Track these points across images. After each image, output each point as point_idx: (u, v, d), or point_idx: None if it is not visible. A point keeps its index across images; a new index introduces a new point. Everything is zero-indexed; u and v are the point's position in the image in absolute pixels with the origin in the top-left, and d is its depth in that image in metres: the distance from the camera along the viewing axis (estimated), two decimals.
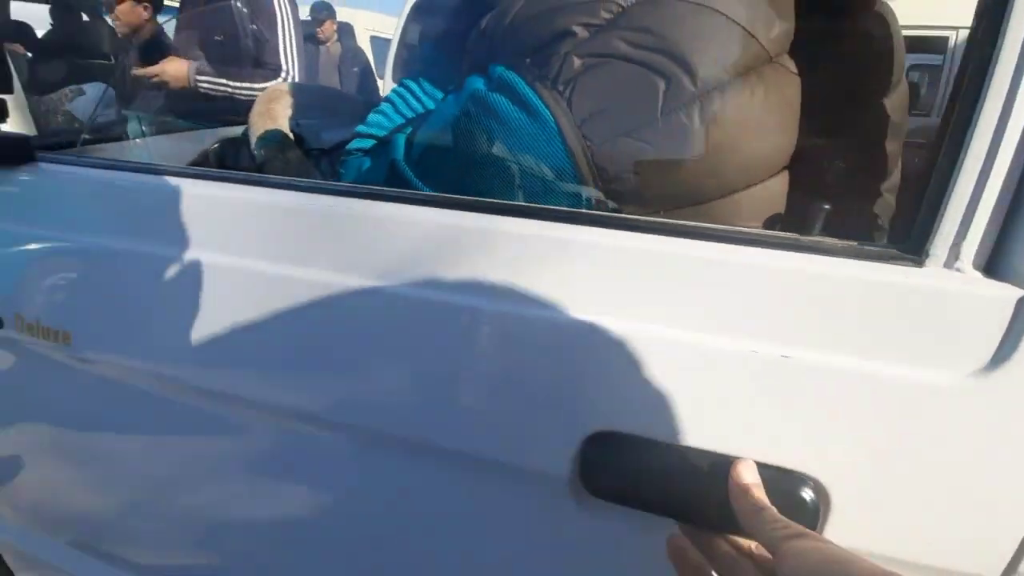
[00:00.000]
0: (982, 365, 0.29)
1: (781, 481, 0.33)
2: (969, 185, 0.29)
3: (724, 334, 0.33)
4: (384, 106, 0.60)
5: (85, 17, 3.63)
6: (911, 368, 0.30)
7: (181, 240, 0.48)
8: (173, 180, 0.50)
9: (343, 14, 3.51)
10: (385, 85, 2.79)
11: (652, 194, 0.35)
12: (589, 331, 0.36)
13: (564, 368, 0.37)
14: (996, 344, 0.29)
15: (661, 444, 0.35)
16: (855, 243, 0.32)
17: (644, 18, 0.32)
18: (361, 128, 0.59)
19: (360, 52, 3.14)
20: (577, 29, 0.34)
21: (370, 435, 0.45)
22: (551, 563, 0.43)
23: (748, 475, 0.32)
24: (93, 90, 2.99)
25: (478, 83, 0.39)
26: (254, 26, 1.39)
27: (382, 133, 0.57)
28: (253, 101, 0.94)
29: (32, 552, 0.77)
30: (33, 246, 0.56)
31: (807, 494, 0.33)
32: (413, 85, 0.59)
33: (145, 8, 1.75)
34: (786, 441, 0.33)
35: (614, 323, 0.35)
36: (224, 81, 1.32)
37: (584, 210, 0.37)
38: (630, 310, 0.35)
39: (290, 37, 1.42)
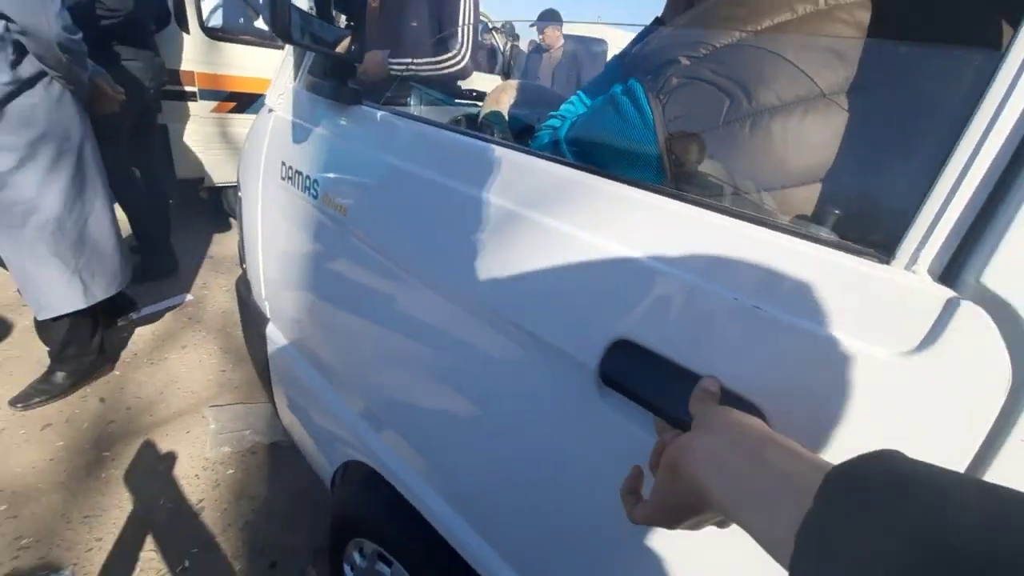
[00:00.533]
0: (909, 348, 0.37)
1: (731, 404, 0.41)
2: (935, 206, 0.37)
3: (718, 283, 0.44)
4: (573, 98, 0.81)
5: None
6: (855, 339, 0.39)
7: (434, 167, 0.74)
8: (437, 131, 0.78)
9: (597, 30, 3.84)
10: None
11: (707, 178, 0.49)
12: (631, 264, 0.49)
13: (613, 287, 0.51)
14: (923, 334, 0.37)
15: (658, 358, 0.47)
16: (845, 239, 0.41)
17: (726, 56, 0.46)
18: (553, 112, 0.81)
19: (578, 62, 3.37)
20: (682, 59, 0.50)
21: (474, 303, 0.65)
22: (574, 431, 0.57)
23: (710, 384, 0.42)
24: None
25: (617, 89, 0.57)
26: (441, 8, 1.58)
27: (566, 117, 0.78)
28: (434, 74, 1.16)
29: (291, 370, 1.14)
30: (353, 155, 0.90)
31: None
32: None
33: None
34: (745, 372, 0.43)
35: (648, 262, 0.47)
36: (408, 60, 1.55)
37: (654, 183, 0.52)
38: (659, 255, 0.47)
39: (468, 17, 1.60)
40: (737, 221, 0.45)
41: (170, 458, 1.68)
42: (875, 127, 0.45)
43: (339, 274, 0.96)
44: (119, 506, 1.49)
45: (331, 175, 0.92)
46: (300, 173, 0.98)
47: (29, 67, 1.45)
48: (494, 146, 0.68)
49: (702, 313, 0.45)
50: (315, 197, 0.94)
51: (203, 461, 1.69)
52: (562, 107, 0.81)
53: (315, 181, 0.94)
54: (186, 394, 1.97)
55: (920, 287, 0.37)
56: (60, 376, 1.83)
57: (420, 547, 0.86)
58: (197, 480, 1.62)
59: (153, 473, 1.62)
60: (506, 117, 0.98)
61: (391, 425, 0.90)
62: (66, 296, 1.68)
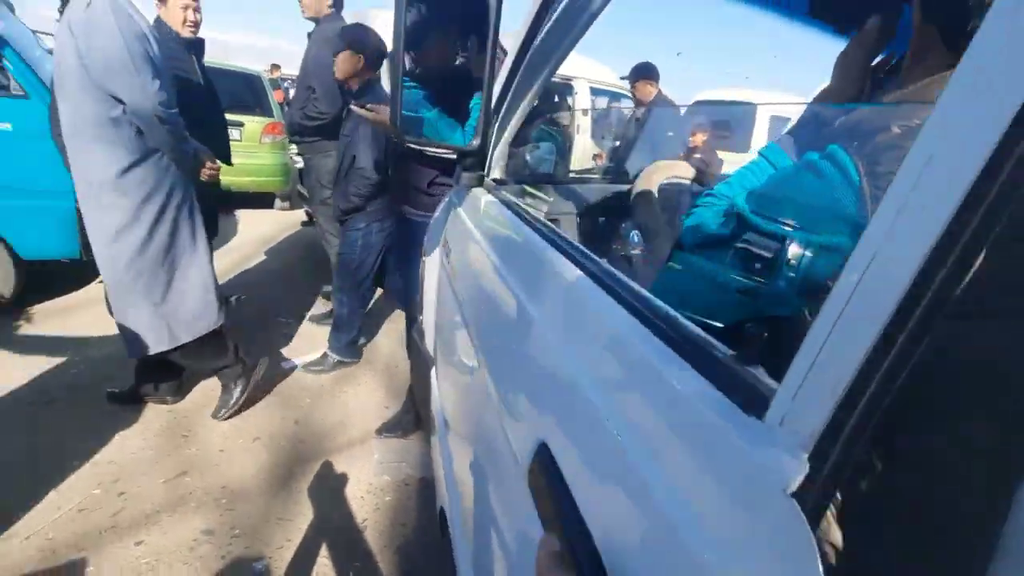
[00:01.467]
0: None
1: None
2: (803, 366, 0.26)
3: (609, 398, 0.43)
4: (734, 177, 0.85)
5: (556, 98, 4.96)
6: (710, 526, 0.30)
7: (499, 255, 0.84)
8: (513, 222, 0.88)
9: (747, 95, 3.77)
10: None
11: None
12: (562, 364, 0.51)
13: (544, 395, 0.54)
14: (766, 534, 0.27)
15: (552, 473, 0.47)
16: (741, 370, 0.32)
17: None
18: (708, 191, 0.86)
19: (657, 122, 2.96)
20: (895, 128, 0.53)
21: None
22: (518, 519, 0.58)
23: (550, 544, 0.40)
24: (545, 147, 4.14)
25: (813, 156, 0.62)
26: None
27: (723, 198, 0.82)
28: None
29: (435, 410, 1.27)
30: (461, 231, 1.07)
31: None
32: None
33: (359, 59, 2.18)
34: (598, 529, 0.39)
35: (572, 366, 0.50)
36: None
37: None
38: (582, 359, 0.49)
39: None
40: (655, 339, 0.41)
41: (343, 479, 1.90)
42: None
43: (450, 333, 1.10)
44: (303, 514, 1.72)
45: (452, 246, 1.12)
46: (447, 241, 1.20)
47: (143, 144, 1.79)
48: (552, 252, 0.70)
49: (595, 435, 0.43)
50: (449, 263, 1.13)
51: (367, 485, 1.88)
52: (716, 187, 0.86)
53: (449, 250, 1.14)
54: (358, 424, 2.24)
55: (780, 458, 0.26)
56: (231, 388, 2.15)
57: None
58: (362, 501, 1.81)
59: (330, 490, 1.85)
60: (656, 195, 1.06)
61: (452, 479, 0.99)
62: (153, 339, 1.89)
